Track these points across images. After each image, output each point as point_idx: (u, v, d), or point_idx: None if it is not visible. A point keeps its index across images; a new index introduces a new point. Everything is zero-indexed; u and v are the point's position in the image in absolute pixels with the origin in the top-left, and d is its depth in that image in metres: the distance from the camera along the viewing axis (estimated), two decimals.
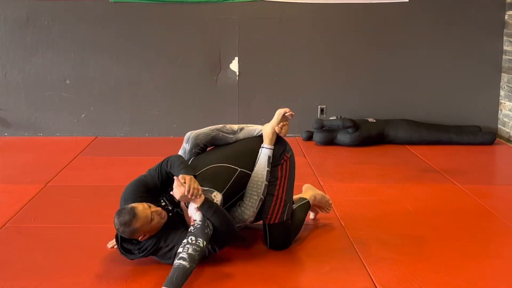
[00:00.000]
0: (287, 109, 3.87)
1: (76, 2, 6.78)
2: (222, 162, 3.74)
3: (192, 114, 6.94)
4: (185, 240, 3.31)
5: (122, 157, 6.11)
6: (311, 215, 4.30)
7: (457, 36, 6.93)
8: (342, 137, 6.61)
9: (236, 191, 3.72)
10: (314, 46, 6.95)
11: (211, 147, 3.95)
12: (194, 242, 3.29)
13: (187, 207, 3.54)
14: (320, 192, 4.24)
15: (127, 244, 3.50)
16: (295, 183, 3.91)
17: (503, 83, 6.96)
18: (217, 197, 3.59)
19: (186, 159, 3.83)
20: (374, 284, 3.38)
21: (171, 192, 3.52)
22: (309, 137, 6.83)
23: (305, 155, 6.18)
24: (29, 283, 3.35)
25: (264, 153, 3.78)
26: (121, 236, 3.48)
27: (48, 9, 6.77)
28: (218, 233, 3.45)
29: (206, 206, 3.44)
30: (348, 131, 6.56)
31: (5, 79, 6.89)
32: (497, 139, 6.89)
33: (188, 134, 3.91)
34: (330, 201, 4.29)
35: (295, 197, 4.04)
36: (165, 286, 3.14)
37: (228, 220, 3.50)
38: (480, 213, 4.57)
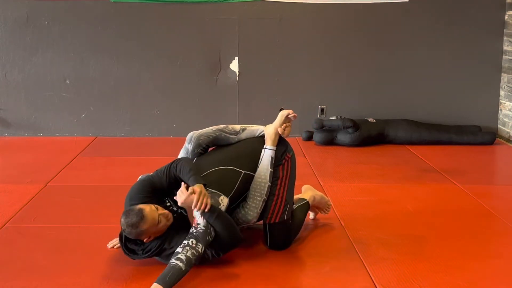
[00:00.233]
0: (290, 111, 3.87)
1: (76, 2, 6.77)
2: (226, 164, 3.74)
3: (192, 114, 6.94)
4: (185, 241, 3.32)
5: (122, 157, 6.11)
6: (310, 215, 4.30)
7: (457, 36, 6.93)
8: (342, 137, 6.60)
9: (240, 193, 3.73)
10: (314, 46, 6.95)
11: (213, 147, 3.95)
12: (194, 246, 3.29)
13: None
14: (319, 193, 4.24)
15: (131, 244, 3.49)
16: (295, 183, 3.92)
17: (503, 83, 6.96)
18: (223, 201, 3.59)
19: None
20: (374, 284, 3.38)
21: (174, 198, 3.52)
22: (309, 137, 6.83)
23: (305, 155, 6.17)
24: (29, 283, 3.35)
25: (267, 154, 3.78)
26: (125, 236, 3.47)
27: (48, 9, 6.77)
28: (221, 238, 3.45)
29: (209, 212, 3.43)
30: (348, 131, 6.56)
31: (5, 79, 6.89)
32: (497, 139, 6.89)
33: (190, 134, 3.90)
34: (329, 202, 4.30)
35: (294, 197, 4.04)
36: (157, 283, 3.15)
37: (231, 225, 3.50)
38: (480, 213, 4.57)
